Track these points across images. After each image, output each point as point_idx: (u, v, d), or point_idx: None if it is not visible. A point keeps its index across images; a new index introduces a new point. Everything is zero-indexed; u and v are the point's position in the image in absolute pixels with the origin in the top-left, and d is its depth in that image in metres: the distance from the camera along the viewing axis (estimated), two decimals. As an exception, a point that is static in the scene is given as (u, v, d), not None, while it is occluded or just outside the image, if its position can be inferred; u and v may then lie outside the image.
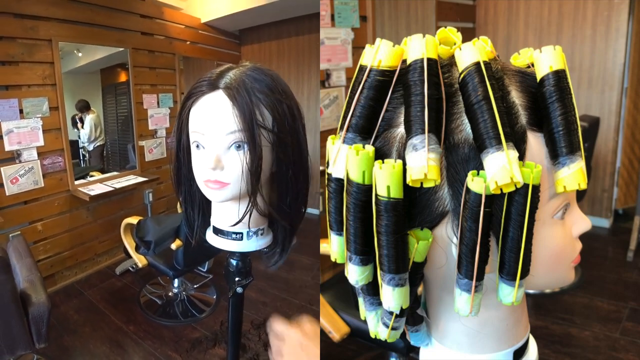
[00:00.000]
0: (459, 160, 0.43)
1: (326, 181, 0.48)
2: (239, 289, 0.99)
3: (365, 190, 0.43)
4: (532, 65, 0.47)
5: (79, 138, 3.46)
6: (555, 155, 0.44)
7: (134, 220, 2.29)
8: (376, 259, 0.45)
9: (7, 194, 2.73)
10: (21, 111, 2.77)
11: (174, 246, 2.22)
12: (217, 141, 0.77)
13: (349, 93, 0.46)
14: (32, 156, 2.86)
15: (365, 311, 0.52)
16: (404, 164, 0.42)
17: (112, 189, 3.28)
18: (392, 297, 0.45)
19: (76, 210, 3.24)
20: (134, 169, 3.76)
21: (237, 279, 0.98)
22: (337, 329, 1.80)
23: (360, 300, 0.53)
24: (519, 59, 0.50)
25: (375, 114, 0.45)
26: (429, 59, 0.43)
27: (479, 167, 0.42)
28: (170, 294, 3.02)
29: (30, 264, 2.09)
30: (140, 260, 2.44)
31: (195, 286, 3.11)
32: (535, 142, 0.45)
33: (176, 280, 2.98)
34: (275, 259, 0.95)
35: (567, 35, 3.73)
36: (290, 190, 0.86)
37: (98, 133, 3.61)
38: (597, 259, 3.35)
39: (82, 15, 3.10)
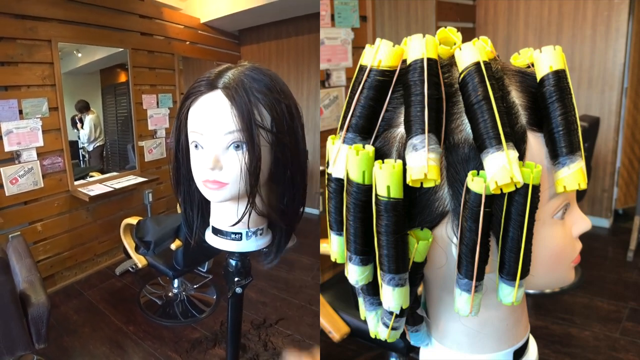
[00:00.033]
0: (459, 160, 0.43)
1: (326, 181, 0.48)
2: (238, 289, 0.99)
3: (365, 190, 0.43)
4: (532, 65, 0.47)
5: (79, 138, 3.46)
6: (555, 155, 0.44)
7: (133, 220, 2.29)
8: (376, 259, 0.45)
9: (6, 195, 2.73)
10: (21, 112, 2.76)
11: (173, 246, 2.22)
12: (215, 141, 0.77)
13: (349, 93, 0.46)
14: (32, 157, 2.86)
15: (365, 311, 0.52)
16: (404, 164, 0.42)
17: (111, 189, 3.28)
18: (392, 297, 0.45)
19: (76, 211, 3.24)
20: (133, 169, 3.75)
21: (236, 279, 0.98)
22: (337, 329, 1.80)
23: (360, 300, 0.53)
24: (519, 59, 0.50)
25: (375, 114, 0.45)
26: (429, 59, 0.43)
27: (479, 167, 0.42)
28: (170, 294, 3.02)
29: (30, 264, 2.09)
30: (140, 260, 2.44)
31: (195, 286, 3.11)
32: (535, 142, 0.45)
33: (176, 280, 2.98)
34: (270, 258, 0.95)
35: (567, 35, 3.73)
36: (288, 190, 0.86)
37: (98, 133, 3.61)
38: (597, 259, 3.35)
39: (81, 16, 3.10)
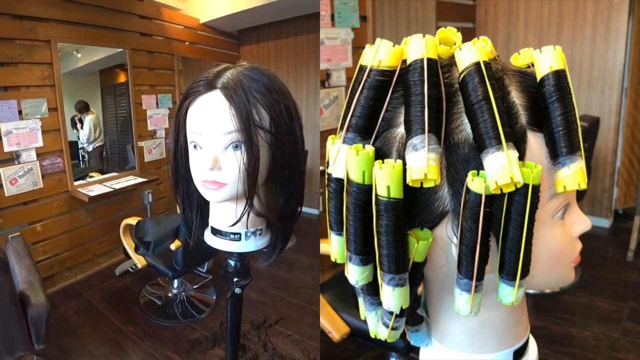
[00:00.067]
0: (459, 160, 0.43)
1: (326, 181, 0.48)
2: (237, 290, 0.99)
3: (365, 190, 0.43)
4: (532, 65, 0.47)
5: (78, 139, 3.46)
6: (555, 155, 0.44)
7: (133, 221, 2.29)
8: (376, 259, 0.45)
9: (6, 195, 2.73)
10: (20, 112, 2.76)
11: (173, 247, 2.22)
12: (214, 141, 0.77)
13: (349, 93, 0.46)
14: (31, 157, 2.86)
15: (365, 311, 0.52)
16: (404, 164, 0.42)
17: (111, 189, 3.28)
18: (392, 297, 0.45)
19: (75, 211, 3.24)
20: (133, 170, 3.75)
21: (235, 279, 0.98)
22: (337, 329, 1.80)
23: (360, 300, 0.53)
24: (519, 59, 0.50)
25: (375, 114, 0.45)
26: (429, 59, 0.43)
27: (479, 167, 0.42)
28: (169, 294, 3.02)
29: (29, 265, 2.09)
30: (139, 261, 2.44)
31: (194, 287, 3.11)
32: (535, 142, 0.45)
33: (175, 280, 2.98)
34: (264, 257, 0.95)
35: (567, 35, 3.73)
36: (285, 190, 0.86)
37: (97, 134, 3.61)
38: (597, 259, 3.35)
39: (80, 16, 3.10)
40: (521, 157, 0.43)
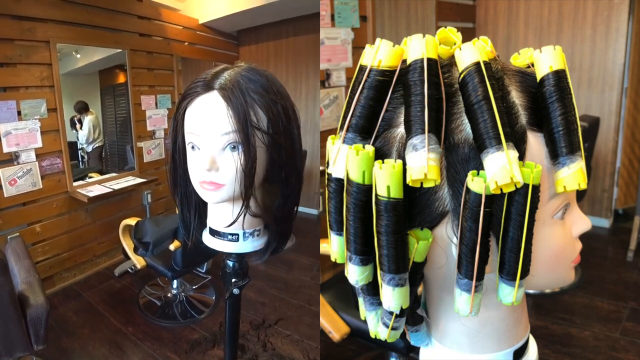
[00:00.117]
0: (459, 160, 0.43)
1: (326, 181, 0.48)
2: (236, 290, 0.99)
3: (365, 190, 0.43)
4: (532, 65, 0.47)
5: (78, 139, 3.46)
6: (555, 155, 0.44)
7: (132, 221, 2.29)
8: (376, 259, 0.45)
9: (5, 196, 2.73)
10: (19, 113, 2.76)
11: (172, 247, 2.22)
12: (212, 142, 0.77)
13: (349, 93, 0.46)
14: (31, 158, 2.86)
15: (365, 311, 0.52)
16: (404, 164, 0.42)
17: (110, 190, 3.28)
18: (392, 297, 0.45)
19: (75, 212, 3.24)
20: (132, 170, 3.75)
21: (233, 280, 0.98)
22: (337, 329, 1.80)
23: (360, 300, 0.53)
24: (519, 59, 0.50)
25: (375, 114, 0.45)
26: (429, 59, 0.43)
27: (479, 167, 0.42)
28: (169, 295, 3.01)
29: (28, 265, 2.09)
30: (138, 261, 2.44)
31: (194, 287, 3.11)
32: (535, 142, 0.45)
33: (175, 281, 2.98)
34: (257, 256, 0.95)
35: (567, 35, 3.73)
36: (282, 191, 0.86)
37: (97, 134, 3.61)
38: (597, 259, 3.35)
39: (79, 17, 3.10)
40: (521, 157, 0.43)
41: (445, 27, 0.47)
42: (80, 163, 3.53)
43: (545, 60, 0.45)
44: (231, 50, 5.05)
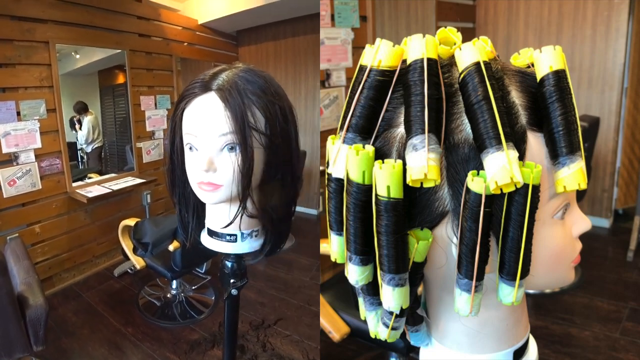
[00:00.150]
0: (459, 160, 0.43)
1: (326, 181, 0.48)
2: (234, 291, 0.99)
3: (365, 190, 0.43)
4: (532, 65, 0.47)
5: (77, 140, 3.46)
6: (555, 155, 0.44)
7: (131, 222, 2.28)
8: (376, 259, 0.45)
9: (4, 197, 2.73)
10: (18, 113, 2.76)
11: (171, 247, 2.22)
12: (209, 143, 0.77)
13: (349, 93, 0.46)
14: (30, 158, 2.86)
15: (365, 311, 0.52)
16: (404, 164, 0.42)
17: (110, 190, 3.28)
18: (392, 297, 0.45)
19: (74, 212, 3.24)
20: (131, 171, 3.75)
21: (232, 280, 0.98)
22: (337, 329, 1.80)
23: (360, 300, 0.53)
24: (519, 59, 0.50)
25: (375, 114, 0.45)
26: (429, 59, 0.43)
27: (479, 167, 0.42)
28: (168, 295, 3.01)
29: (27, 266, 2.09)
30: (138, 262, 2.43)
31: (193, 287, 3.11)
32: (535, 142, 0.45)
33: (174, 281, 2.98)
34: (252, 255, 0.95)
35: (567, 35, 3.73)
36: (279, 192, 0.86)
37: (96, 135, 3.61)
38: (597, 259, 3.35)
39: (79, 17, 3.10)
40: (521, 157, 0.43)
41: (445, 27, 0.47)
42: (80, 163, 3.52)
43: (545, 60, 0.45)
44: (231, 50, 5.05)
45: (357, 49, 2.87)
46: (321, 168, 3.20)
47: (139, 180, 3.56)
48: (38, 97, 2.88)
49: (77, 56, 3.34)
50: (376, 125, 0.45)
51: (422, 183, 0.41)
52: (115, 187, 3.34)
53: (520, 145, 0.43)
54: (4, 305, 1.69)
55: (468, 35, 0.57)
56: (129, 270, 3.34)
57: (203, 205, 0.92)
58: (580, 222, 0.51)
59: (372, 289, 0.49)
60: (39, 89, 2.89)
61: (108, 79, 3.72)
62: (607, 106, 3.68)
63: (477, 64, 0.42)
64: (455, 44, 0.46)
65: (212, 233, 0.90)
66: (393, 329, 0.50)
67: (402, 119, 0.44)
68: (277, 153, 0.81)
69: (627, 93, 3.65)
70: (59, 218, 3.12)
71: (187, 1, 4.37)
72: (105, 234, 3.45)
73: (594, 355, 2.35)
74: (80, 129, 3.45)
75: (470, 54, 0.43)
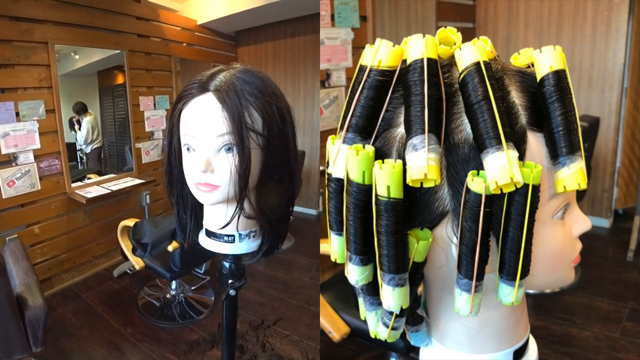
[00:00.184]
0: (459, 160, 0.43)
1: (326, 181, 0.48)
2: (232, 292, 0.99)
3: (365, 190, 0.43)
4: (532, 65, 0.47)
5: (76, 140, 3.46)
6: (555, 155, 0.44)
7: (130, 222, 2.28)
8: (376, 259, 0.45)
9: (3, 197, 2.72)
10: (17, 114, 2.76)
11: (170, 248, 2.22)
12: (207, 144, 0.77)
13: (349, 93, 0.46)
14: (29, 159, 2.85)
15: (365, 311, 0.52)
16: (404, 164, 0.42)
17: (109, 191, 3.27)
18: (392, 297, 0.45)
19: (73, 213, 3.23)
20: (131, 171, 3.75)
21: (230, 281, 0.98)
22: (337, 329, 1.80)
23: (360, 300, 0.53)
24: (519, 59, 0.50)
25: (375, 114, 0.45)
26: (429, 59, 0.43)
27: (479, 167, 0.42)
28: (167, 296, 3.01)
29: (26, 267, 2.08)
30: (137, 262, 2.43)
31: (192, 288, 3.11)
32: (535, 142, 0.45)
33: (173, 282, 2.98)
34: (249, 256, 0.95)
35: (567, 35, 3.73)
36: (276, 193, 0.86)
37: (95, 135, 3.61)
38: (597, 259, 3.36)
39: (78, 18, 3.10)
40: (521, 157, 0.43)
41: (445, 27, 0.47)
42: (79, 164, 3.52)
43: (545, 60, 0.45)
44: (230, 51, 5.05)
45: (357, 49, 2.87)
46: (321, 168, 3.20)
47: (138, 181, 3.56)
48: (37, 97, 2.88)
49: (76, 57, 3.34)
50: (376, 125, 0.45)
51: (422, 183, 0.41)
52: (115, 188, 3.34)
53: (520, 145, 0.43)
54: (3, 307, 1.69)
55: (468, 35, 0.57)
56: (128, 271, 3.34)
57: (201, 205, 0.92)
58: (580, 222, 0.51)
59: (372, 289, 0.49)
60: (38, 90, 2.89)
61: (107, 80, 3.72)
62: (607, 106, 3.68)
63: (477, 64, 0.42)
64: (455, 44, 0.46)
65: (210, 234, 0.90)
66: (393, 329, 0.50)
67: (402, 119, 0.44)
68: (274, 154, 0.81)
69: (627, 93, 3.66)
70: (58, 219, 3.12)
71: (186, 2, 4.37)
72: (105, 235, 3.45)
73: (594, 355, 2.35)
74: (79, 129, 3.45)
75: (470, 54, 0.43)
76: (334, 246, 0.49)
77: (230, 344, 1.12)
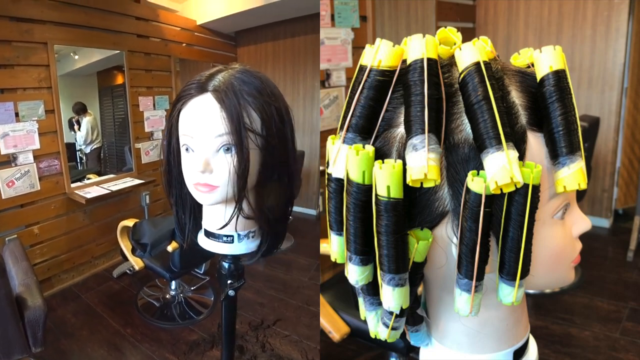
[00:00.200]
0: (459, 160, 0.43)
1: (326, 181, 0.48)
2: (231, 292, 0.99)
3: (365, 190, 0.43)
4: (532, 65, 0.47)
5: (76, 141, 3.46)
6: (555, 155, 0.44)
7: (130, 222, 2.28)
8: (376, 259, 0.45)
9: (3, 198, 2.72)
10: (17, 114, 2.76)
11: (170, 248, 2.22)
12: (205, 144, 0.77)
13: (349, 93, 0.46)
14: (28, 159, 2.85)
15: (365, 311, 0.52)
16: (404, 164, 0.42)
17: (108, 191, 3.27)
18: (392, 297, 0.45)
19: (73, 213, 3.23)
20: (130, 172, 3.75)
21: (229, 281, 0.98)
22: (337, 329, 1.80)
23: (360, 300, 0.53)
24: (519, 59, 0.50)
25: (375, 114, 0.45)
26: (429, 59, 0.43)
27: (479, 167, 0.42)
28: (167, 296, 3.01)
29: (26, 267, 2.08)
30: (137, 262, 2.43)
31: (192, 288, 3.10)
32: (535, 142, 0.45)
33: (173, 282, 2.97)
34: (248, 256, 0.95)
35: (567, 35, 3.73)
36: (274, 193, 0.86)
37: (95, 135, 3.60)
38: (597, 259, 3.36)
39: (77, 18, 3.10)
40: (521, 157, 0.43)
41: (445, 27, 0.47)
42: (79, 164, 3.52)
43: (545, 60, 0.45)
44: (229, 51, 5.05)
45: (357, 49, 2.87)
46: (321, 168, 3.20)
47: (137, 181, 3.55)
48: (36, 98, 2.87)
49: (76, 57, 3.33)
50: (376, 125, 0.45)
51: (422, 183, 0.41)
52: (114, 188, 3.34)
53: (520, 145, 0.43)
54: (2, 307, 1.69)
55: (468, 35, 0.57)
56: (128, 271, 3.34)
57: (200, 206, 0.91)
58: (580, 222, 0.51)
59: (372, 289, 0.49)
60: (38, 90, 2.89)
61: (107, 80, 3.72)
62: (607, 106, 3.68)
63: (477, 64, 0.42)
64: (455, 44, 0.46)
65: (208, 234, 0.90)
66: (393, 329, 0.50)
67: (402, 119, 0.44)
68: (273, 154, 0.81)
69: (627, 93, 3.66)
70: (58, 219, 3.12)
71: (185, 2, 4.37)
72: (104, 235, 3.45)
73: (594, 355, 2.35)
74: (79, 129, 3.45)
75: (470, 54, 0.43)
76: (334, 246, 0.49)
77: (230, 344, 1.12)
